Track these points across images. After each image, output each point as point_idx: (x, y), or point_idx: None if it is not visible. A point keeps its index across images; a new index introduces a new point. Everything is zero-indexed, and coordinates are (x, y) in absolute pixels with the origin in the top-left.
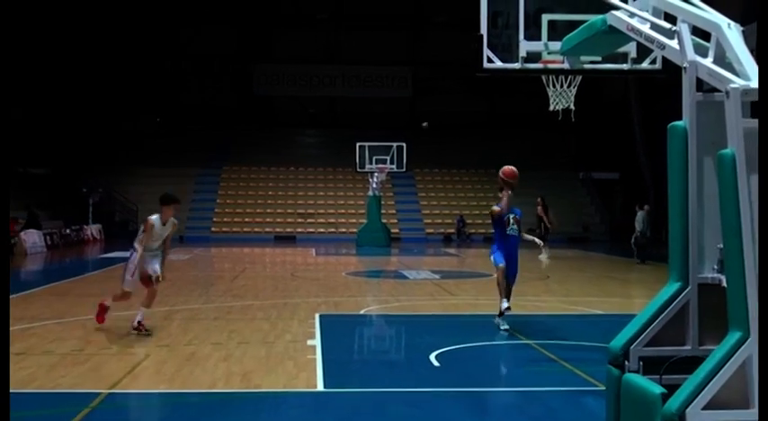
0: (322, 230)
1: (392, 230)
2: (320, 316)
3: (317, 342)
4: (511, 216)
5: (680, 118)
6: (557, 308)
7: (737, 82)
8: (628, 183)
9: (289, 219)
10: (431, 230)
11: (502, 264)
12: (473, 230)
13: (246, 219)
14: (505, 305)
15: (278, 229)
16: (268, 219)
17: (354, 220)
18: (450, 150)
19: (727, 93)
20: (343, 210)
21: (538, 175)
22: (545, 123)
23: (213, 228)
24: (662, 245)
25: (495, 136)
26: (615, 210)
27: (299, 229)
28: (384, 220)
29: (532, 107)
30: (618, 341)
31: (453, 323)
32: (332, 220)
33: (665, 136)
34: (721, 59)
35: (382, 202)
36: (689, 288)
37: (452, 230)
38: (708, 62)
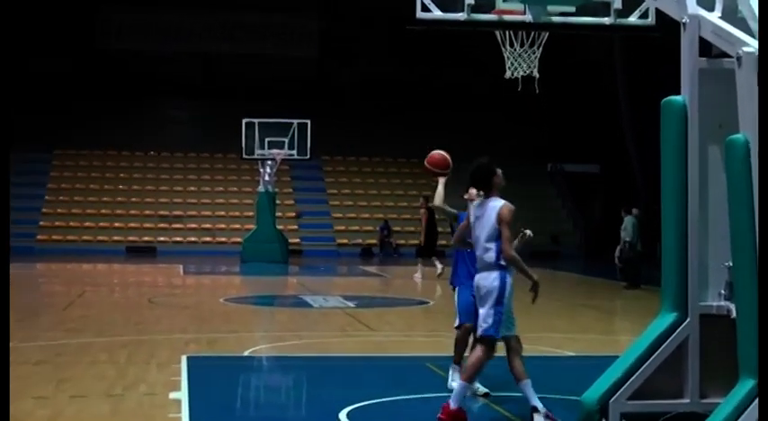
0: (193, 239)
1: (290, 240)
2: (188, 359)
3: (182, 395)
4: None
5: (679, 91)
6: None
7: (752, 45)
8: (611, 179)
9: (146, 225)
10: (344, 240)
11: (468, 324)
12: (402, 240)
13: (87, 224)
14: (482, 390)
15: (131, 238)
16: (117, 224)
17: (238, 226)
18: (370, 132)
19: (738, 58)
20: (222, 213)
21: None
22: (501, 98)
23: (39, 237)
24: (656, 262)
25: (432, 115)
26: (594, 215)
27: (161, 238)
28: (280, 226)
29: (484, 76)
30: (593, 392)
31: (372, 368)
32: (207, 226)
33: (660, 115)
34: (732, 14)
35: (277, 202)
36: (687, 320)
37: (374, 240)
38: (714, 17)
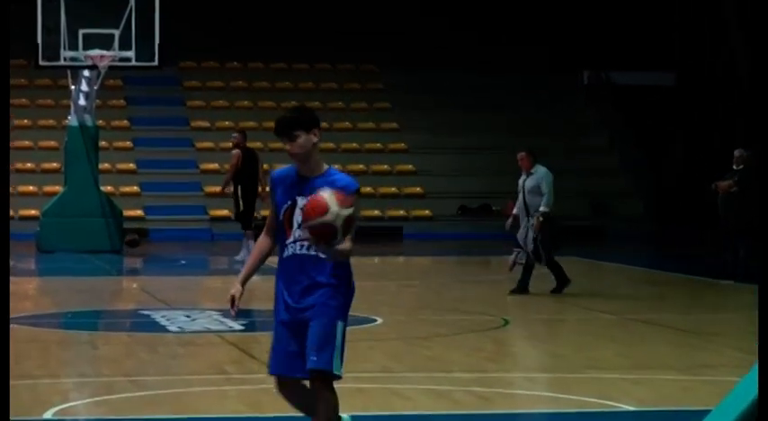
0: None
1: (127, 213)
2: None
3: None
4: (299, 202)
5: None
6: (531, 398)
7: None
8: (699, 98)
9: None
10: (222, 211)
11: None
12: None
13: None
14: None
15: None
16: None
17: (32, 188)
18: (272, 19)
19: None
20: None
21: (486, 83)
22: None
23: None
24: None
25: None
26: (668, 164)
27: None
28: (107, 188)
29: None
30: None
31: None
32: None
33: None
34: None
35: (103, 144)
36: None
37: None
38: None
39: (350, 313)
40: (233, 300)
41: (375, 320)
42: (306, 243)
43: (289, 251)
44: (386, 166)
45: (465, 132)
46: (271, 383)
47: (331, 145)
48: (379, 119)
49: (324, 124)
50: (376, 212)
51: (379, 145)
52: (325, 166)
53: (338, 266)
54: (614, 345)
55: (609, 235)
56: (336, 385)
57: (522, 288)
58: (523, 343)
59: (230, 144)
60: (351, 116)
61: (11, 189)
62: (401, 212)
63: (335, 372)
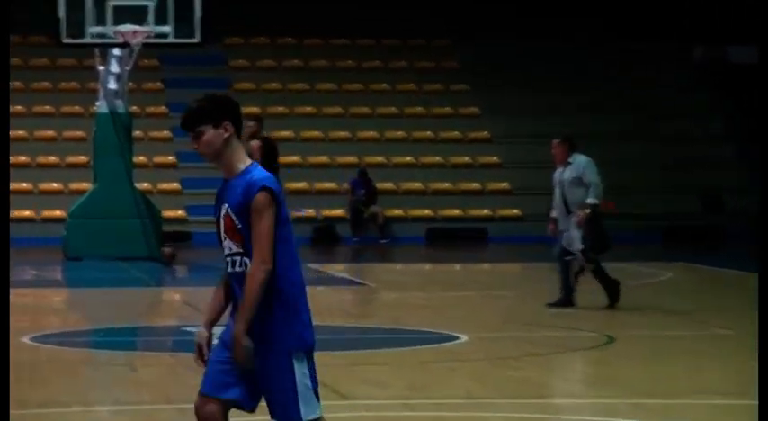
0: None
1: (166, 213)
2: None
3: None
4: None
5: None
6: None
7: None
8: None
9: None
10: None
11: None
12: (398, 211)
13: None
14: None
15: None
16: None
17: (57, 186)
18: None
19: None
20: (20, 156)
21: (580, 57)
22: None
23: None
24: None
25: None
26: None
27: None
28: (142, 184)
29: None
30: None
31: None
32: None
33: None
34: None
35: (137, 133)
36: None
37: (339, 211)
38: None
39: (429, 329)
40: (200, 349)
41: (457, 338)
42: (232, 258)
43: (227, 268)
44: (466, 158)
45: (557, 117)
46: (336, 408)
47: (401, 133)
48: (457, 102)
49: (392, 109)
50: (456, 212)
51: (457, 133)
52: (246, 164)
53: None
54: (732, 367)
55: (724, 235)
56: (412, 413)
57: (566, 300)
58: (628, 363)
59: (256, 133)
60: (424, 99)
61: (32, 186)
62: (485, 212)
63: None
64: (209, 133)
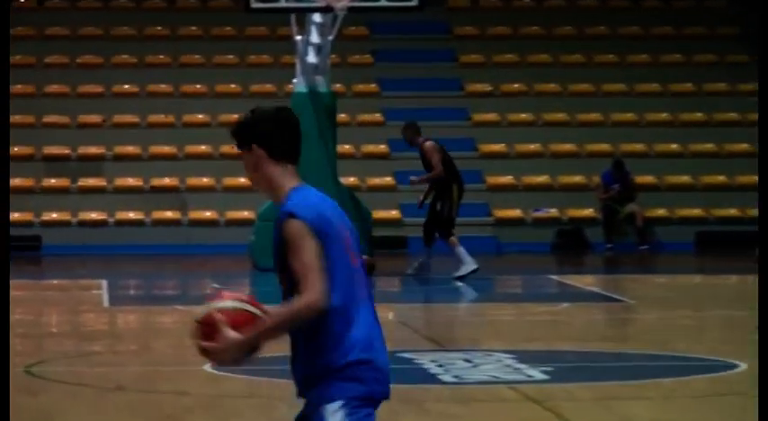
0: (131, 217)
1: (377, 215)
2: None
3: None
4: None
5: None
6: None
7: None
8: None
9: (20, 180)
10: (511, 212)
11: None
12: (660, 210)
13: None
14: None
15: None
16: None
17: (242, 181)
18: None
19: None
20: (197, 146)
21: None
22: None
23: None
24: None
25: None
26: None
27: (53, 215)
28: (348, 179)
29: None
30: None
31: None
32: (161, 182)
33: None
34: None
35: (341, 116)
36: None
37: (588, 211)
38: None
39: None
40: None
41: (736, 365)
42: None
43: None
44: (745, 145)
45: None
46: None
47: (665, 115)
48: (734, 77)
49: (654, 85)
50: (733, 211)
51: (734, 114)
52: (287, 188)
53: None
54: None
55: None
56: None
57: None
58: None
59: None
60: (693, 73)
61: (214, 182)
62: None
63: None
64: (246, 158)
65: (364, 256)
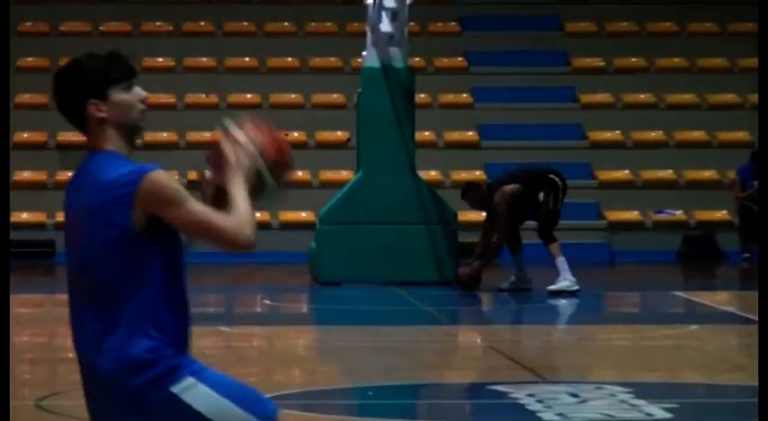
0: None
1: (462, 217)
2: None
3: None
4: None
5: None
6: None
7: None
8: None
9: (28, 174)
10: (625, 214)
11: None
12: None
13: None
14: None
15: None
16: None
17: (302, 174)
18: None
19: None
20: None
21: None
22: None
23: None
24: None
25: None
26: None
27: (62, 218)
28: (429, 173)
29: None
30: None
31: None
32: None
33: None
34: None
35: (422, 98)
36: None
37: (722, 213)
38: None
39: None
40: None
41: None
42: None
43: None
44: None
45: None
46: None
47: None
48: None
49: None
50: None
51: None
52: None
53: None
54: None
55: None
56: None
57: None
58: None
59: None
60: None
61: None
62: None
63: None
64: None
65: (463, 267)
